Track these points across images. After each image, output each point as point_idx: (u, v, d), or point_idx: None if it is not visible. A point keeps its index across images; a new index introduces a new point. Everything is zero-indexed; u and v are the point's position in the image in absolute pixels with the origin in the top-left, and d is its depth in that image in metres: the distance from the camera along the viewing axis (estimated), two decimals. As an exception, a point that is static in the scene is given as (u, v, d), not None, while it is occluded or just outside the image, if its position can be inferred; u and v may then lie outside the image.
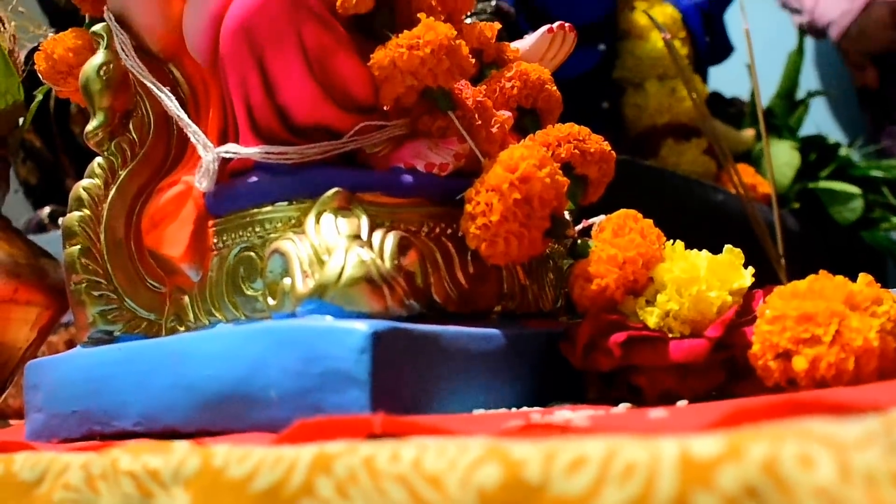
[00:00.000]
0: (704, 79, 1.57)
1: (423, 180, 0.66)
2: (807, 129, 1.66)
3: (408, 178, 0.65)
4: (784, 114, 1.61)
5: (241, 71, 0.65)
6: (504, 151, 0.64)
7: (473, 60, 0.69)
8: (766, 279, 0.88)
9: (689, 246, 0.67)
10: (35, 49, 1.15)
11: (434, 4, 0.70)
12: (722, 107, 1.65)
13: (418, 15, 0.66)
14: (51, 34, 1.18)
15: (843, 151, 1.61)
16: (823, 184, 1.54)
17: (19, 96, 1.02)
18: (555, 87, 0.76)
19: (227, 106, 0.69)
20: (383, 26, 0.68)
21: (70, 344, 1.27)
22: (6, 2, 1.08)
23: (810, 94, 1.66)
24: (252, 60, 0.64)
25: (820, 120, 1.70)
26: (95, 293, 0.69)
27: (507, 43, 0.81)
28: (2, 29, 1.04)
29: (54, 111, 1.39)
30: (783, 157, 1.51)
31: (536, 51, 0.81)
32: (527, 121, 0.75)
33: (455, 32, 0.66)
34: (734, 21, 1.61)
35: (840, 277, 0.59)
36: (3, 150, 1.04)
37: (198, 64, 0.71)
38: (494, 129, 0.69)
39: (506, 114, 0.72)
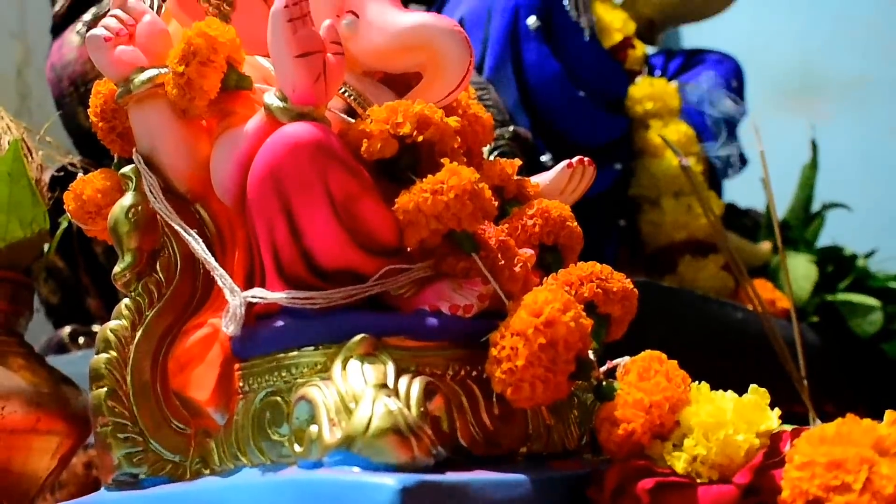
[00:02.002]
0: (719, 192, 1.58)
1: (448, 323, 0.66)
2: (823, 241, 1.66)
3: (433, 320, 0.66)
4: (800, 226, 1.62)
5: (267, 216, 0.66)
6: (528, 294, 0.65)
7: (496, 202, 0.70)
8: (787, 397, 0.88)
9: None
10: (58, 175, 1.18)
11: (456, 147, 0.71)
12: (737, 218, 1.66)
13: (442, 160, 0.68)
14: (76, 159, 1.21)
15: (860, 262, 1.62)
16: (842, 296, 1.54)
17: (45, 225, 1.03)
18: (576, 224, 0.77)
19: (253, 248, 0.70)
20: (407, 170, 0.69)
21: (88, 466, 1.27)
22: (33, 132, 1.11)
23: (826, 207, 1.67)
24: (279, 206, 0.65)
25: (836, 231, 1.71)
26: (121, 436, 0.69)
27: (527, 178, 0.82)
28: (29, 159, 1.06)
29: (76, 231, 1.41)
30: (801, 271, 1.51)
31: (556, 185, 0.83)
32: (549, 258, 0.75)
33: (478, 175, 0.68)
34: (748, 133, 1.63)
35: (868, 421, 0.59)
36: (28, 278, 1.05)
37: (224, 205, 0.73)
38: (517, 269, 0.70)
39: (528, 252, 0.72)
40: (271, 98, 0.69)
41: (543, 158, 1.26)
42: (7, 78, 2.00)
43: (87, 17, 1.47)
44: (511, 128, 1.18)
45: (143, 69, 0.74)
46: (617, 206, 1.38)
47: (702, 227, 1.37)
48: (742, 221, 1.68)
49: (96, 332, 1.41)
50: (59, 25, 1.49)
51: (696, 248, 1.39)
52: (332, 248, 0.66)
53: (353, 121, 0.72)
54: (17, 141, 1.00)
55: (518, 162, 0.81)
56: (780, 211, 1.65)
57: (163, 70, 0.73)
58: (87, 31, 1.45)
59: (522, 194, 0.80)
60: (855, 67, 2.24)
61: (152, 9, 0.78)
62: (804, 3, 2.48)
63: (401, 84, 0.83)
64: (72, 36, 1.47)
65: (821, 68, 2.43)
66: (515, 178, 0.80)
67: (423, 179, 0.67)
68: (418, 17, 0.78)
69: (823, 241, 1.68)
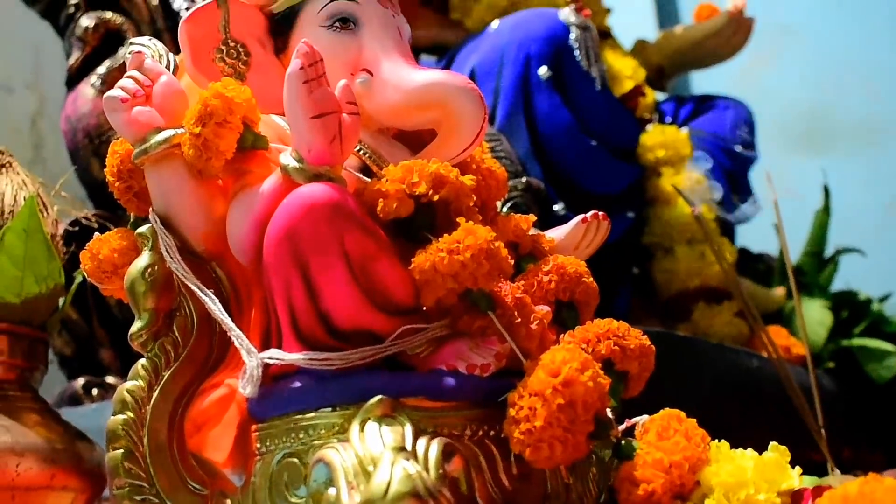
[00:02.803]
0: (732, 237, 1.58)
1: (465, 383, 0.66)
2: (837, 285, 1.66)
3: (450, 381, 0.66)
4: (814, 271, 1.62)
5: (284, 277, 0.66)
6: (546, 354, 0.64)
7: (512, 260, 0.70)
8: (805, 444, 0.87)
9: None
10: (73, 230, 1.19)
11: (472, 206, 0.71)
12: (750, 263, 1.66)
13: (458, 219, 0.68)
14: (91, 214, 1.22)
15: (875, 307, 1.61)
16: (857, 341, 1.54)
17: (60, 280, 1.04)
18: (591, 280, 0.77)
19: (269, 308, 0.70)
20: (423, 229, 0.69)
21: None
22: (49, 186, 1.12)
23: (839, 251, 1.67)
24: (296, 267, 0.66)
25: (850, 275, 1.70)
26: (138, 497, 0.69)
27: (542, 233, 0.82)
28: (44, 214, 1.06)
29: (91, 283, 1.42)
30: (815, 316, 1.51)
31: (571, 240, 0.83)
32: (565, 314, 0.75)
33: (494, 234, 0.68)
34: (760, 180, 1.63)
35: (890, 480, 0.59)
36: (43, 333, 1.05)
37: (241, 264, 0.73)
38: (534, 326, 0.70)
39: (544, 308, 0.72)
40: (287, 159, 0.69)
41: (556, 208, 1.26)
42: (21, 128, 2.02)
43: (102, 69, 1.49)
44: (524, 178, 1.18)
45: (159, 130, 0.74)
46: (630, 254, 1.38)
47: (716, 274, 1.37)
48: (755, 266, 1.68)
49: (110, 384, 1.42)
50: (74, 78, 1.51)
51: (711, 295, 1.38)
52: (349, 309, 0.66)
53: (367, 179, 0.73)
54: (32, 197, 1.01)
55: (533, 218, 0.81)
56: (794, 256, 1.65)
57: (179, 130, 0.74)
58: (102, 83, 1.47)
59: (538, 250, 0.80)
60: (866, 111, 2.24)
61: (168, 69, 0.78)
62: (814, 47, 2.49)
63: (414, 140, 0.83)
64: (86, 88, 1.48)
65: (832, 112, 2.44)
66: (531, 233, 0.81)
67: (440, 239, 0.67)
68: (432, 74, 0.78)
69: (837, 285, 1.68)
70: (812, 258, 1.65)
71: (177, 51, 1.54)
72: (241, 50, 0.80)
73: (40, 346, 1.05)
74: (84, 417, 1.28)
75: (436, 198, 0.69)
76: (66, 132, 1.49)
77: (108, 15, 1.52)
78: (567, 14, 1.30)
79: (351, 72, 0.79)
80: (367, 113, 0.77)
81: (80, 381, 1.42)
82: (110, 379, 1.43)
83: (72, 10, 1.52)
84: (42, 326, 1.05)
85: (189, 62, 0.79)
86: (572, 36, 1.29)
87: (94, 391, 1.41)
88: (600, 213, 0.83)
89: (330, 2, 0.80)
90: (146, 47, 0.79)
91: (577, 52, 1.29)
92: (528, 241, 0.80)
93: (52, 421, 1.02)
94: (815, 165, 2.40)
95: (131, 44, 0.79)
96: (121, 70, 1.49)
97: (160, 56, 0.79)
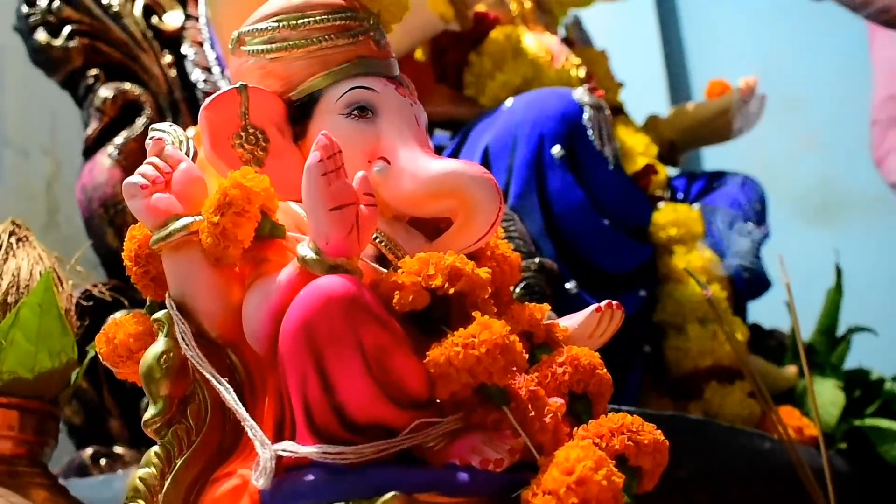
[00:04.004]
0: (744, 314, 1.57)
1: (479, 477, 0.66)
2: (849, 363, 1.65)
3: (463, 475, 0.66)
4: (826, 350, 1.61)
5: (300, 369, 0.66)
6: (560, 451, 0.64)
7: (526, 353, 0.70)
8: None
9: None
10: (86, 304, 1.19)
11: (487, 298, 0.72)
12: (762, 340, 1.65)
13: (473, 313, 0.68)
14: (104, 288, 1.22)
15: (887, 386, 1.60)
16: (870, 421, 1.52)
17: (73, 355, 1.04)
18: (605, 371, 0.77)
19: (284, 398, 0.70)
20: (439, 321, 0.69)
21: None
22: (64, 261, 1.12)
23: (851, 330, 1.66)
24: (311, 360, 0.66)
25: (862, 353, 1.69)
26: (148, 586, 0.69)
27: (556, 322, 0.82)
28: (59, 289, 1.07)
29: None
30: (827, 396, 1.50)
31: (585, 329, 0.83)
32: (578, 406, 0.75)
33: (509, 328, 0.68)
34: (771, 257, 1.63)
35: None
36: (55, 408, 1.05)
37: (255, 351, 0.73)
38: (548, 420, 0.69)
39: (558, 401, 0.72)
40: (305, 250, 0.69)
41: (568, 286, 1.26)
42: (37, 192, 2.03)
43: (119, 140, 1.50)
44: (537, 259, 1.18)
45: (178, 216, 0.75)
46: (642, 332, 1.37)
47: (727, 354, 1.36)
48: (767, 343, 1.67)
49: (118, 454, 1.42)
50: (91, 148, 1.52)
51: (722, 374, 1.37)
52: (363, 403, 0.66)
53: (383, 270, 0.73)
54: (49, 273, 1.02)
55: (547, 308, 0.81)
56: (806, 334, 1.64)
57: (197, 217, 0.74)
58: (118, 153, 1.49)
59: (552, 339, 0.80)
60: (877, 184, 2.25)
61: (188, 155, 0.79)
62: (823, 119, 2.50)
63: (430, 226, 0.84)
64: (103, 158, 1.50)
65: (842, 183, 2.45)
66: (545, 322, 0.81)
67: (455, 332, 0.67)
68: (449, 163, 0.79)
69: (850, 363, 1.67)
70: (824, 337, 1.64)
71: (194, 121, 1.56)
72: (259, 136, 0.81)
73: (51, 420, 1.05)
74: (92, 489, 1.28)
75: (452, 291, 0.69)
76: (81, 201, 1.50)
77: (127, 86, 1.54)
78: (581, 94, 1.31)
79: (368, 159, 0.80)
80: (383, 200, 0.78)
81: (89, 451, 1.41)
82: (119, 449, 1.43)
83: (91, 81, 1.54)
84: (54, 401, 1.05)
85: (208, 148, 0.80)
86: (586, 116, 1.30)
87: (103, 461, 1.41)
88: (614, 302, 0.84)
89: (348, 90, 0.82)
90: (166, 133, 0.80)
91: (590, 132, 1.30)
92: (542, 330, 0.80)
93: (61, 498, 1.02)
94: (826, 237, 2.40)
95: (152, 129, 0.80)
96: (137, 141, 1.51)
97: (180, 142, 0.79)
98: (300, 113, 0.83)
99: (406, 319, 0.69)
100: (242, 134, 0.81)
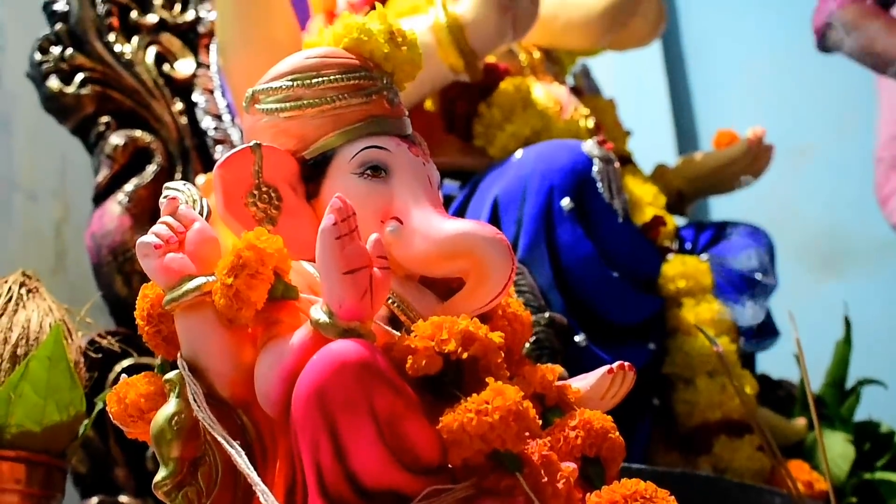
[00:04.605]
0: (753, 366, 1.57)
1: (492, 545, 0.65)
2: (859, 415, 1.64)
3: (477, 544, 0.65)
4: (835, 403, 1.60)
5: (312, 435, 0.66)
6: (574, 522, 0.64)
7: (538, 411, 0.70)
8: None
9: None
10: (95, 356, 1.18)
11: (500, 362, 0.71)
12: (771, 391, 1.64)
13: (486, 378, 0.68)
14: (113, 341, 1.22)
15: (897, 438, 1.59)
16: (880, 475, 1.51)
17: (82, 408, 1.04)
18: (618, 435, 0.76)
19: (295, 461, 0.69)
20: (451, 386, 0.69)
21: None
22: (73, 312, 1.12)
23: (861, 383, 1.65)
24: (324, 426, 0.65)
25: (871, 406, 1.68)
26: None
27: (568, 384, 0.82)
28: (69, 341, 1.07)
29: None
30: (837, 449, 1.49)
31: (597, 391, 0.82)
32: (591, 471, 0.75)
33: (522, 394, 0.68)
34: (780, 306, 1.63)
35: None
36: (62, 461, 1.05)
37: (267, 413, 0.73)
38: (560, 485, 0.69)
39: (570, 466, 0.72)
40: (318, 313, 0.69)
41: (577, 338, 1.26)
42: (45, 236, 2.03)
43: (129, 187, 1.51)
44: (547, 314, 1.18)
45: (191, 277, 0.75)
46: (650, 385, 1.36)
47: (737, 408, 1.35)
48: (776, 393, 1.66)
49: (123, 504, 1.41)
50: (101, 195, 1.53)
51: (732, 428, 1.37)
52: (376, 469, 0.65)
53: (396, 333, 0.73)
54: (58, 326, 1.02)
55: (559, 369, 0.81)
56: (815, 385, 1.63)
57: (210, 278, 0.74)
58: (129, 201, 1.49)
59: (564, 402, 0.80)
60: (884, 230, 2.25)
61: (202, 214, 0.79)
62: (830, 167, 2.51)
63: (441, 284, 0.84)
64: (112, 205, 1.50)
65: (850, 233, 2.45)
66: (556, 383, 0.80)
67: (468, 398, 0.67)
68: (461, 224, 0.79)
69: (859, 416, 1.66)
70: (833, 389, 1.63)
71: (204, 168, 1.56)
72: (273, 194, 0.82)
73: (58, 473, 1.05)
74: (97, 540, 1.27)
75: (465, 355, 0.69)
76: (90, 248, 1.50)
77: (138, 133, 1.55)
78: (591, 147, 1.31)
79: (381, 219, 0.80)
80: (395, 260, 0.78)
81: (94, 500, 1.41)
82: (124, 499, 1.42)
83: (102, 128, 1.54)
84: (61, 454, 1.05)
85: (221, 206, 0.80)
86: (595, 169, 1.30)
87: (107, 511, 1.40)
88: (626, 363, 0.83)
89: (361, 150, 0.82)
90: (180, 192, 0.80)
91: (599, 185, 1.30)
92: (555, 392, 0.80)
93: (66, 552, 1.01)
94: (834, 286, 2.40)
95: (166, 188, 0.81)
96: (147, 188, 1.52)
97: (194, 201, 0.80)
98: (313, 171, 0.83)
99: (418, 384, 0.69)
100: (256, 192, 0.81)
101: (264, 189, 0.81)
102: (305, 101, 0.83)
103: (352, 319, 0.69)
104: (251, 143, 0.81)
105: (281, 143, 0.83)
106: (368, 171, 0.81)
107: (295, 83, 0.83)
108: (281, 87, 0.84)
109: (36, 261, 1.92)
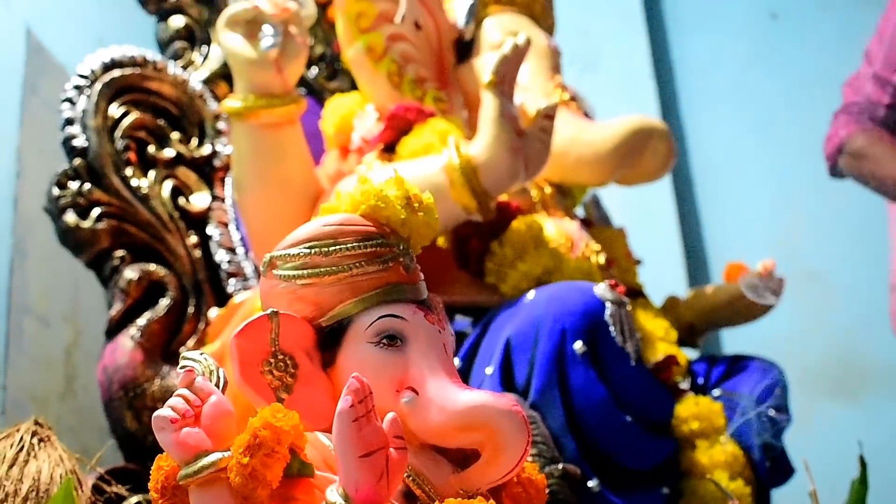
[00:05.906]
0: (767, 502, 1.55)
1: None
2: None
3: None
4: (852, 545, 1.58)
5: None
6: None
7: None
8: None
9: None
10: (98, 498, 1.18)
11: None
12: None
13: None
14: (123, 488, 1.21)
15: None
16: None
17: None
18: None
19: None
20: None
21: None
22: (84, 461, 1.12)
23: (878, 522, 1.63)
24: None
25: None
26: None
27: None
28: (79, 492, 1.06)
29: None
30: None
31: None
32: None
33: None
34: (794, 436, 1.61)
35: None
36: None
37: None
38: None
39: None
40: (334, 496, 0.69)
41: (590, 484, 1.24)
42: (56, 360, 2.03)
43: (142, 321, 1.52)
44: (560, 466, 1.17)
45: (207, 452, 0.75)
46: (665, 529, 1.35)
47: (754, 552, 1.33)
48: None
49: None
50: (114, 329, 1.53)
51: (748, 576, 1.34)
52: None
53: (411, 510, 0.73)
54: (69, 480, 1.00)
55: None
56: (831, 525, 1.61)
57: (226, 453, 0.74)
58: (141, 335, 1.49)
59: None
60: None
61: (218, 386, 0.80)
62: (841, 292, 2.51)
63: (456, 452, 0.83)
64: (125, 340, 1.50)
65: (863, 357, 2.44)
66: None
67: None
68: (477, 396, 0.79)
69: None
70: (851, 530, 1.61)
71: (216, 302, 1.56)
72: (289, 362, 0.82)
73: None
74: None
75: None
76: (102, 383, 1.50)
77: (152, 267, 1.56)
78: (603, 290, 1.32)
79: (397, 388, 0.81)
80: (410, 430, 0.78)
81: None
82: None
83: (117, 262, 1.55)
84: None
85: (238, 375, 0.80)
86: (608, 312, 1.30)
87: None
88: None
89: (378, 318, 0.82)
90: (197, 363, 0.80)
91: (612, 329, 1.30)
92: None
93: None
94: (848, 412, 2.38)
95: (183, 358, 0.81)
96: (159, 322, 1.52)
97: (210, 372, 0.80)
98: (330, 339, 0.84)
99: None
100: (272, 360, 0.82)
101: (280, 357, 0.82)
102: (322, 269, 0.84)
103: (368, 503, 0.68)
104: (268, 312, 0.82)
105: (297, 310, 0.84)
106: (385, 341, 0.82)
107: (312, 251, 0.84)
108: (298, 254, 0.85)
109: (45, 385, 1.92)
